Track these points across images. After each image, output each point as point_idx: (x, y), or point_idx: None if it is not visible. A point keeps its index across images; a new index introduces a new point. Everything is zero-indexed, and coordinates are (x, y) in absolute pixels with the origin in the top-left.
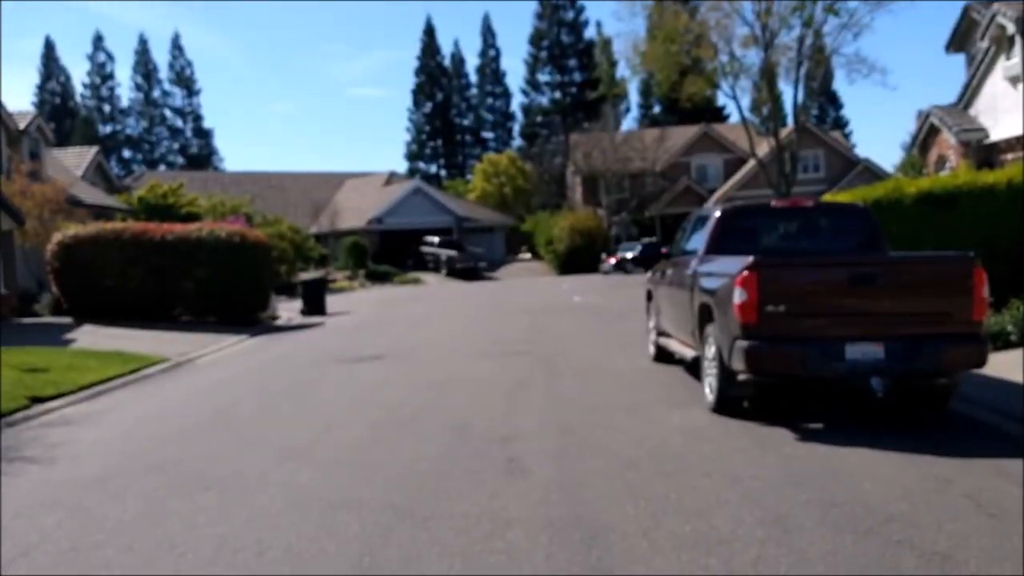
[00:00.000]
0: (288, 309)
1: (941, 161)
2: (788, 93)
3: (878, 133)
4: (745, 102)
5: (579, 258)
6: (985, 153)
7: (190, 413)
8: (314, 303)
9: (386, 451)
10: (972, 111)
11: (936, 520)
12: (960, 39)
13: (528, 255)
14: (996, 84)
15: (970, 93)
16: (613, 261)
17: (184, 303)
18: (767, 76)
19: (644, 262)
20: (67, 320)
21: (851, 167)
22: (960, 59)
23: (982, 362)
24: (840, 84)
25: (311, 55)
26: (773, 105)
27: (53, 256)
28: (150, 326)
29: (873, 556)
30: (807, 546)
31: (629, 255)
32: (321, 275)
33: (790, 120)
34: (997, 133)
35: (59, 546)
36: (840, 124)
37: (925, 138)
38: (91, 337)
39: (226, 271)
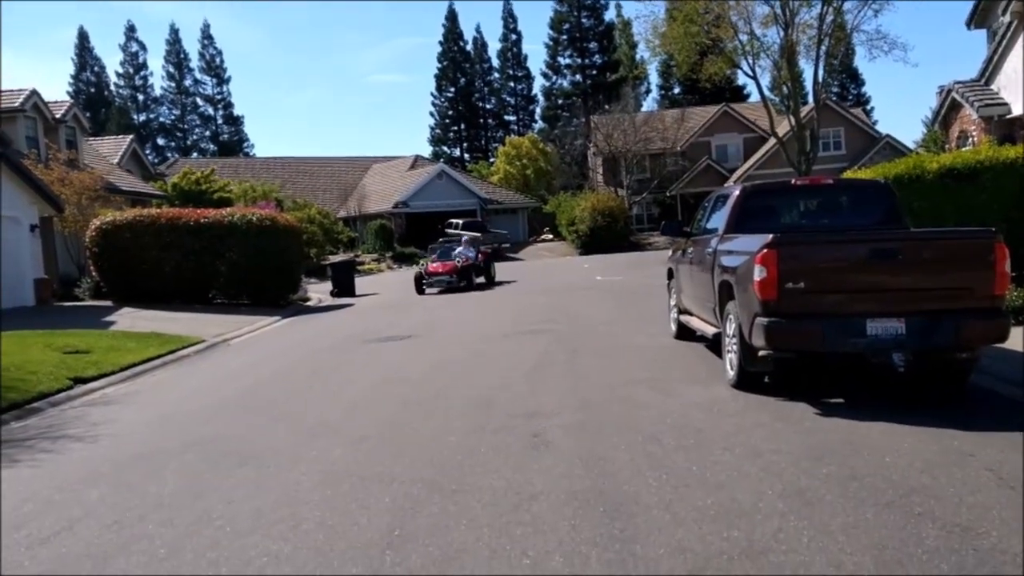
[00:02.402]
0: (318, 291)
1: (963, 136)
2: (808, 71)
3: (899, 109)
4: (765, 81)
5: (601, 238)
6: (1007, 128)
7: (225, 392)
8: (343, 285)
9: (414, 427)
10: (994, 86)
11: (957, 493)
12: (981, 15)
13: (550, 236)
14: (1017, 59)
15: (991, 68)
16: (442, 270)
17: (218, 286)
18: (787, 55)
19: (475, 271)
20: (107, 303)
21: (872, 144)
22: (981, 35)
23: (1004, 336)
24: (861, 61)
25: (336, 43)
26: (793, 83)
27: (92, 241)
28: (186, 308)
29: (894, 528)
30: (828, 519)
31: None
32: (350, 258)
33: (811, 98)
34: (1019, 108)
35: (102, 520)
36: (861, 101)
37: (947, 113)
38: (130, 319)
39: (258, 254)
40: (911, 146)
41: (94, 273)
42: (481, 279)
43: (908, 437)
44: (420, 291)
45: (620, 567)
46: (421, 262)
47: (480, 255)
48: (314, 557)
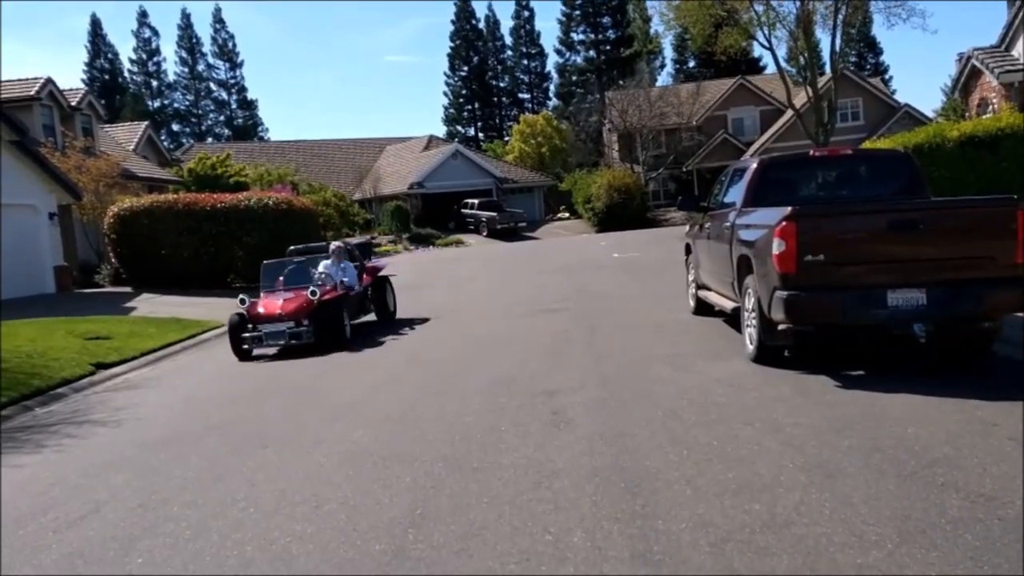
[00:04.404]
0: None
1: (983, 104)
2: (825, 41)
3: (918, 78)
4: (781, 52)
5: (618, 215)
6: None
7: (246, 375)
8: None
9: (434, 407)
10: (1014, 52)
11: (981, 463)
12: None
13: (566, 214)
14: None
15: (1011, 34)
16: (282, 311)
17: (236, 270)
18: (804, 24)
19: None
20: (126, 289)
21: (891, 113)
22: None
23: None
24: (879, 29)
25: (348, 24)
26: (810, 54)
27: (110, 228)
28: (204, 293)
29: (917, 499)
30: (850, 491)
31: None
32: (367, 239)
33: (828, 68)
34: None
35: (128, 503)
36: (879, 70)
37: (967, 81)
38: (149, 305)
39: (275, 238)
40: (930, 115)
41: (113, 259)
42: (369, 316)
43: (930, 408)
44: (241, 354)
45: (642, 542)
46: (242, 298)
47: (364, 276)
48: (337, 537)
